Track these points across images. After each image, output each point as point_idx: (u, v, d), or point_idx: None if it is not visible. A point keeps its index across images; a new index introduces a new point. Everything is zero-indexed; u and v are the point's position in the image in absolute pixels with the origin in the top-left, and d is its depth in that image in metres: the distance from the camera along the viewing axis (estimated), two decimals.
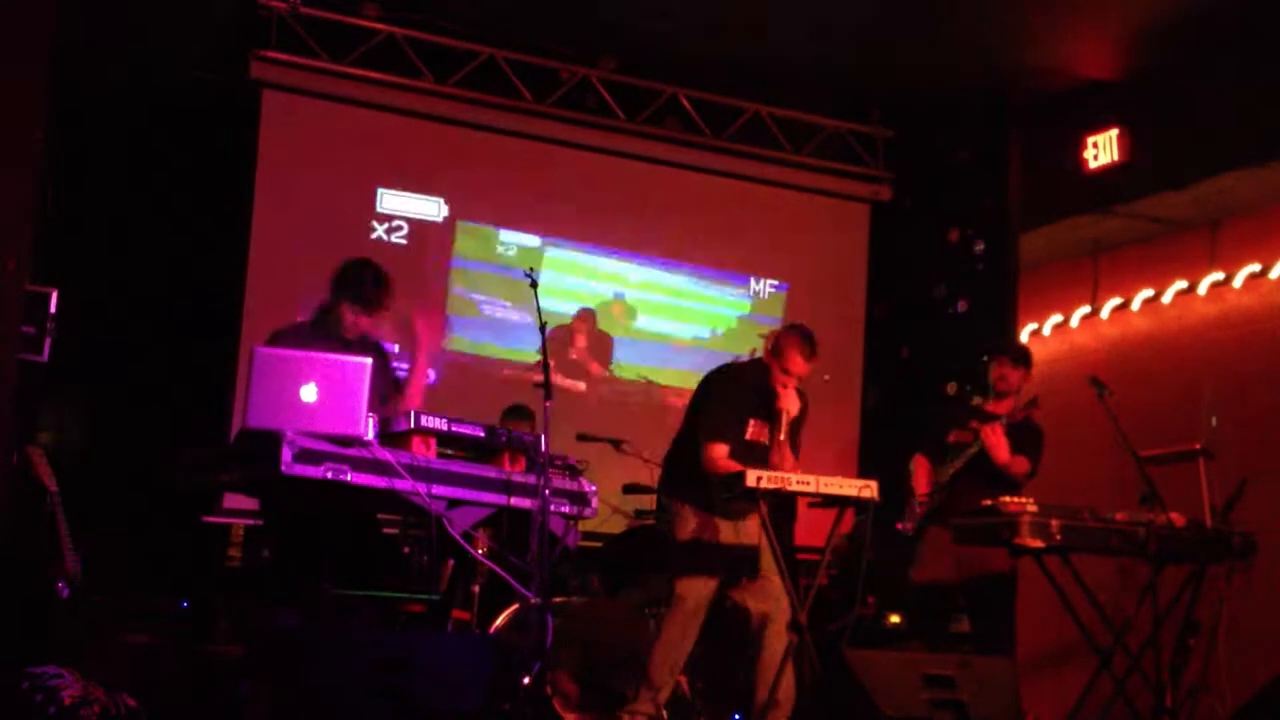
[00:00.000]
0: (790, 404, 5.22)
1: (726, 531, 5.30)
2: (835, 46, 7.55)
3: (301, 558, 4.84)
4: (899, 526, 6.33)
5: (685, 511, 5.32)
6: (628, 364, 8.15)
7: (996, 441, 5.99)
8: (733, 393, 5.33)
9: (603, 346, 8.27)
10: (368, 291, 5.02)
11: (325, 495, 4.49)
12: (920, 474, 6.32)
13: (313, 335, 4.98)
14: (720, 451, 5.20)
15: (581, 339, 8.19)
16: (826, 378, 8.63)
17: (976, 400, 6.65)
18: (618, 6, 7.38)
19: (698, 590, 5.24)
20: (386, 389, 5.13)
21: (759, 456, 5.25)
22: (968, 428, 6.25)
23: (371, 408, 4.52)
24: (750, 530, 5.30)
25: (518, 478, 4.77)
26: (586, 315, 8.25)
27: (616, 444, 6.54)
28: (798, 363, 5.21)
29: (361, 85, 7.60)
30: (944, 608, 6.26)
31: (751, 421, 5.31)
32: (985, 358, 6.54)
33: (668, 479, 5.52)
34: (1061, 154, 7.77)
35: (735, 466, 5.13)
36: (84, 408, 7.98)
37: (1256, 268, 7.29)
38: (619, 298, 8.34)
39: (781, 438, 5.21)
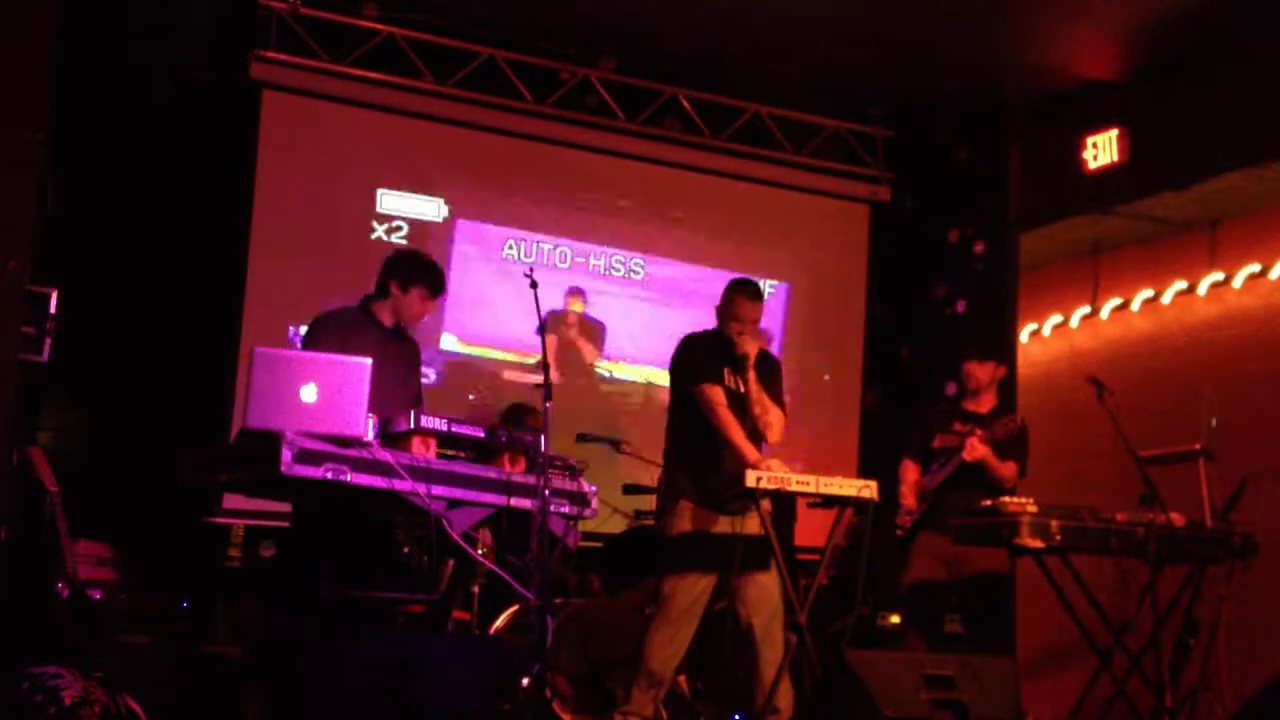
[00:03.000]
0: (748, 346, 5.28)
1: (723, 527, 5.27)
2: (835, 46, 7.54)
3: (320, 560, 4.85)
4: (899, 533, 6.34)
5: (681, 507, 5.28)
6: (628, 365, 8.14)
7: (992, 463, 6.05)
8: (699, 348, 5.40)
9: (593, 331, 8.20)
10: (439, 277, 5.13)
11: (325, 496, 4.50)
12: (908, 482, 6.32)
13: (361, 321, 5.03)
14: (717, 393, 5.23)
15: (572, 316, 8.15)
16: (826, 378, 8.76)
17: (956, 398, 6.66)
18: (618, 6, 7.37)
19: (689, 588, 5.20)
20: (417, 386, 5.23)
21: (739, 406, 5.26)
22: (951, 430, 6.25)
23: (399, 399, 4.59)
24: (749, 527, 5.26)
25: (518, 478, 4.77)
26: (576, 293, 8.15)
27: (616, 444, 6.54)
28: (744, 307, 5.33)
29: (361, 85, 7.58)
30: (937, 607, 6.27)
31: (725, 371, 5.34)
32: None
33: (664, 474, 5.51)
34: (1061, 154, 7.76)
35: (732, 420, 5.16)
36: (84, 408, 7.97)
37: (1256, 268, 7.29)
38: (618, 297, 8.33)
39: (750, 377, 5.25)
